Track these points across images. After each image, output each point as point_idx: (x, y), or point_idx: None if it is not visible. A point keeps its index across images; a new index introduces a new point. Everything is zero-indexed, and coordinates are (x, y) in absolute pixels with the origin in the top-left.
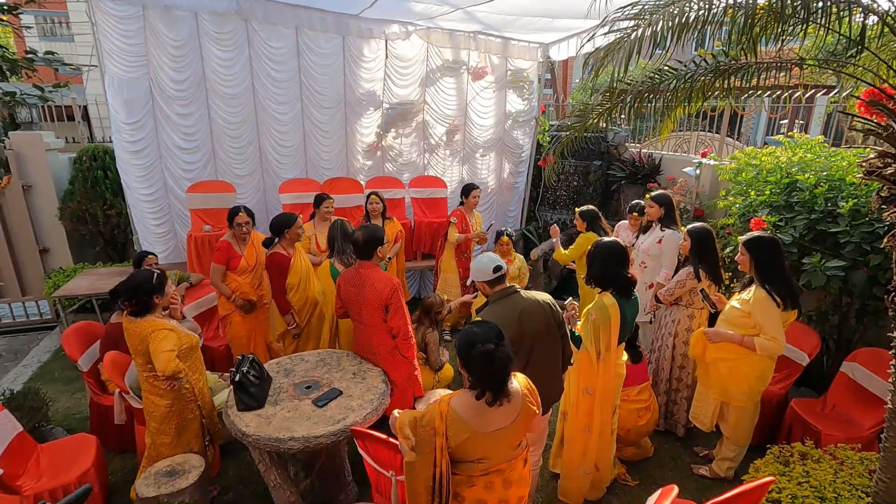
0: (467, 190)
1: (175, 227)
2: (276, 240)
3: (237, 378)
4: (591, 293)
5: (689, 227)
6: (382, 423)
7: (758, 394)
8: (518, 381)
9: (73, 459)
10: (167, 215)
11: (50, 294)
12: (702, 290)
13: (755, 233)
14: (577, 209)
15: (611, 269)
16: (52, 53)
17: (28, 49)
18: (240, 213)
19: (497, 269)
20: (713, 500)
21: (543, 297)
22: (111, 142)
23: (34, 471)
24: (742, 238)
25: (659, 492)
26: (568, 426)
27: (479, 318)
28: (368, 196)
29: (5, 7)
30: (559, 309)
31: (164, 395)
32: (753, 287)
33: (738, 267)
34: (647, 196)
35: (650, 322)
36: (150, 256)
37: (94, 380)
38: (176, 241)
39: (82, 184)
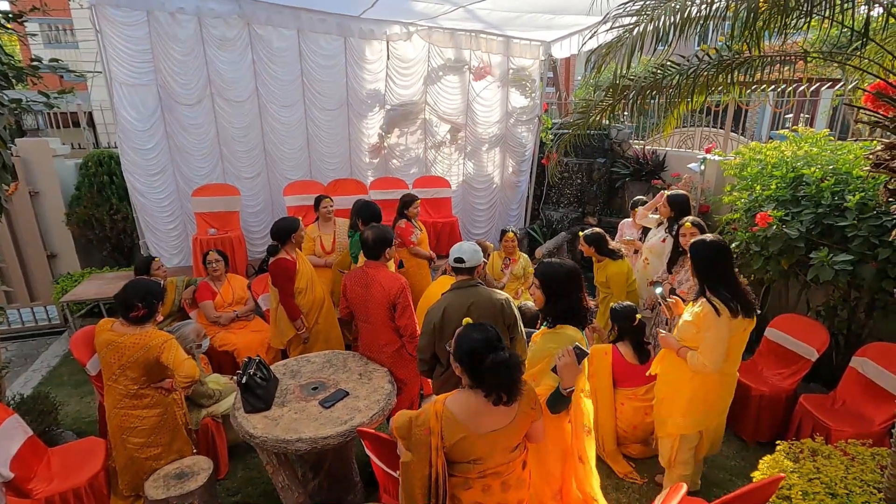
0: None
1: (187, 230)
2: (280, 246)
3: (244, 380)
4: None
5: (669, 193)
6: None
7: (699, 422)
8: None
9: (83, 462)
10: (179, 219)
11: (58, 299)
12: (660, 294)
13: (702, 236)
14: (580, 233)
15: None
16: (57, 61)
17: (33, 56)
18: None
19: (457, 260)
20: (723, 498)
21: (501, 296)
22: (116, 147)
23: (45, 474)
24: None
25: (667, 490)
26: None
27: (468, 320)
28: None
29: (11, 15)
30: (514, 309)
31: (156, 405)
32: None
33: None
34: (664, 194)
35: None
36: (155, 259)
37: (102, 383)
38: (188, 244)
39: (88, 189)
